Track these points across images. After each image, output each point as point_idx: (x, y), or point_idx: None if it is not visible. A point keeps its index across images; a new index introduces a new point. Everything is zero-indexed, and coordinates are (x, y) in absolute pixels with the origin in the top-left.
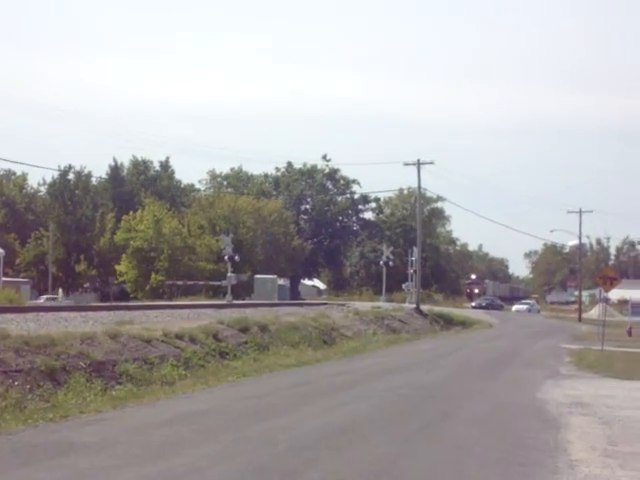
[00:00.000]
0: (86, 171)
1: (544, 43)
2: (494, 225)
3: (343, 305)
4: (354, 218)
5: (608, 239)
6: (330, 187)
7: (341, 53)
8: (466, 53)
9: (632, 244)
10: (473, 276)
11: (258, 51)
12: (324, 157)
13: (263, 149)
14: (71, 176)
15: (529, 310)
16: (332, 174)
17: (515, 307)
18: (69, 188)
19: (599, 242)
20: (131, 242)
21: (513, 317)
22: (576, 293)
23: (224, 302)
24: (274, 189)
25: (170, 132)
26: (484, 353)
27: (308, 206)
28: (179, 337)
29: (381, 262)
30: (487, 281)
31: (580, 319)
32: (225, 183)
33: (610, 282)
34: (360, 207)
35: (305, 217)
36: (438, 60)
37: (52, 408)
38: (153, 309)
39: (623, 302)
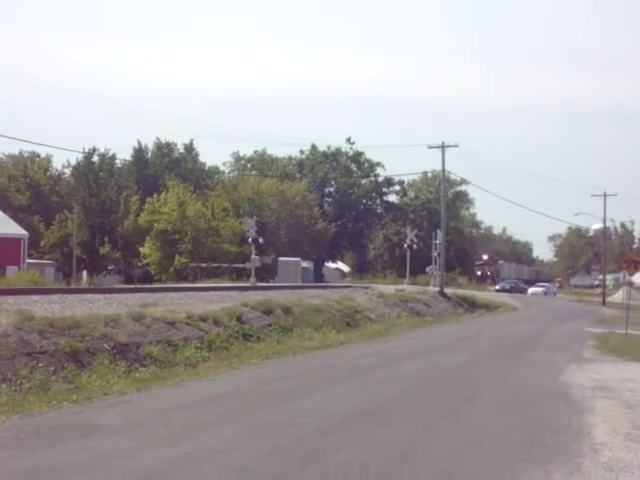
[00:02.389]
0: (110, 153)
1: (566, 28)
2: (518, 208)
3: (367, 288)
4: (378, 201)
5: (632, 222)
6: (354, 170)
7: (366, 34)
8: (492, 36)
9: None
10: (485, 256)
11: (282, 35)
12: (348, 140)
13: (287, 132)
14: (95, 158)
15: (545, 293)
16: (356, 157)
17: (531, 290)
18: (93, 170)
19: (623, 225)
20: (155, 224)
21: (537, 300)
22: (600, 277)
23: (248, 284)
24: (298, 172)
25: (195, 114)
26: (507, 336)
27: (332, 189)
28: (203, 319)
29: (405, 245)
30: (501, 262)
31: (604, 303)
32: (249, 165)
33: (634, 266)
34: (384, 190)
35: (329, 200)
36: (465, 43)
37: (76, 390)
38: (177, 291)
39: None
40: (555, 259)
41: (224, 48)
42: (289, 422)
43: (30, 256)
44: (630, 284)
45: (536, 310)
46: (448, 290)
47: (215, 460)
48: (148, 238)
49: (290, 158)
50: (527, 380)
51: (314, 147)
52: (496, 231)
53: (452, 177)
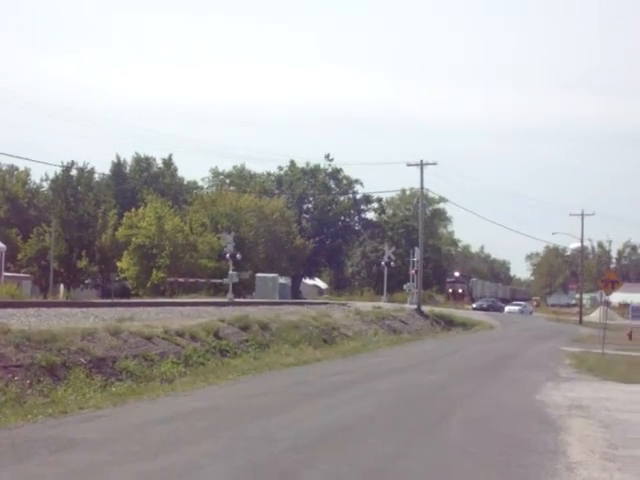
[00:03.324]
0: (89, 167)
1: (550, 48)
2: (496, 227)
3: (344, 305)
4: (356, 218)
5: (610, 242)
6: (332, 187)
7: (346, 52)
8: (473, 56)
9: (633, 247)
10: (457, 274)
11: (262, 50)
12: (327, 156)
13: (266, 148)
14: (74, 172)
15: (521, 312)
16: (335, 174)
17: (507, 308)
18: (71, 184)
19: (601, 245)
20: (133, 239)
21: (514, 319)
22: (577, 296)
23: (225, 300)
24: (276, 188)
25: (173, 130)
26: (484, 355)
27: (310, 205)
28: (180, 334)
29: (382, 262)
30: (474, 279)
31: (581, 322)
32: (227, 181)
33: (611, 285)
34: (362, 207)
35: (307, 216)
36: (443, 62)
37: (52, 403)
38: (154, 306)
39: (624, 305)
40: (532, 278)
41: (205, 65)
42: (265, 438)
43: (7, 269)
44: (607, 304)
45: (513, 329)
46: (425, 308)
47: (191, 475)
48: (126, 252)
49: (269, 174)
50: (503, 398)
51: (293, 163)
52: (474, 249)
53: (430, 195)
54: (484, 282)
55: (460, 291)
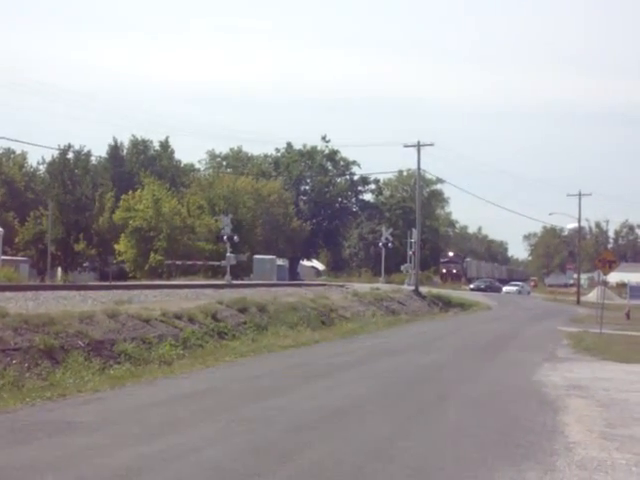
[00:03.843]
0: (85, 150)
1: (546, 26)
2: (493, 207)
3: (342, 286)
4: (353, 199)
5: (607, 222)
6: (330, 168)
7: (342, 33)
8: (468, 35)
9: (631, 227)
10: (450, 254)
11: (258, 31)
12: (324, 138)
13: (263, 130)
14: (70, 155)
15: (519, 292)
16: (332, 155)
17: (505, 288)
18: (68, 167)
19: (598, 225)
20: (130, 222)
21: (511, 300)
22: (575, 276)
23: (223, 282)
24: (274, 170)
25: (170, 112)
26: (482, 335)
27: (307, 187)
28: (178, 317)
29: (380, 244)
30: (468, 259)
31: (579, 302)
32: (224, 163)
33: (609, 265)
34: (359, 188)
35: (304, 198)
36: (440, 41)
37: (50, 387)
38: (152, 289)
39: (622, 285)
40: (530, 258)
41: (201, 46)
42: (263, 420)
43: (4, 253)
44: (604, 283)
45: (511, 309)
46: (423, 289)
47: (189, 457)
48: (123, 235)
49: (266, 156)
50: (501, 379)
51: (290, 145)
52: (471, 230)
53: (428, 176)
54: (479, 262)
55: (454, 271)
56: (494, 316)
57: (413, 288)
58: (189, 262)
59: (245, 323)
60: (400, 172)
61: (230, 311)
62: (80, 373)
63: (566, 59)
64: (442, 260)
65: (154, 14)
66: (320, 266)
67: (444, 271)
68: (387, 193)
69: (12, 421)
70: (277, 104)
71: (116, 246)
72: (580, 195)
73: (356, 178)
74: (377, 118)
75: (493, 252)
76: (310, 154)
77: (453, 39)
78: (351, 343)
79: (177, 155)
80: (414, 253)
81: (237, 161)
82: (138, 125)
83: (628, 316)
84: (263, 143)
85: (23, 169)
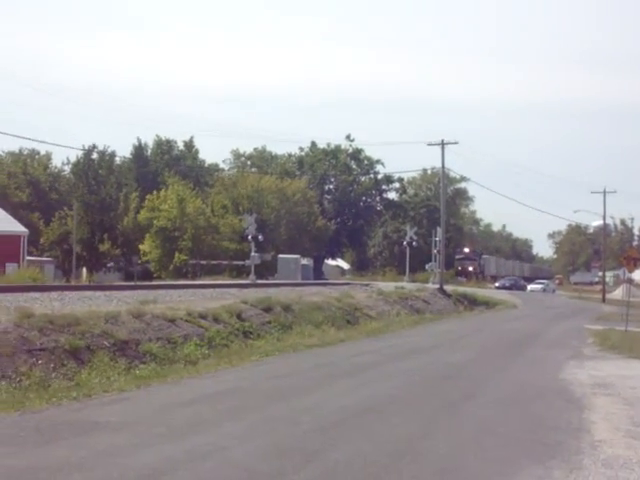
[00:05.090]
0: (110, 151)
1: (570, 23)
2: (518, 205)
3: (366, 285)
4: (377, 198)
5: (632, 220)
6: (354, 167)
7: (366, 32)
8: (491, 33)
9: None
10: (466, 249)
11: (282, 31)
12: (348, 137)
13: (287, 129)
14: (95, 156)
15: (544, 290)
16: (356, 154)
17: (530, 287)
18: (93, 168)
19: (623, 223)
20: (155, 222)
21: (536, 298)
22: (600, 274)
23: (247, 282)
24: (298, 169)
25: (195, 112)
26: (507, 333)
27: (332, 186)
28: (203, 317)
29: (404, 242)
30: (486, 256)
31: (604, 300)
32: (249, 163)
33: (634, 263)
34: (384, 187)
35: (329, 197)
36: (463, 40)
37: (76, 387)
38: (177, 288)
39: None
40: (555, 256)
41: (224, 46)
42: (289, 419)
43: (30, 253)
44: (630, 281)
45: (536, 307)
46: (448, 287)
47: (215, 457)
48: (148, 235)
49: (290, 155)
50: (527, 377)
51: (314, 144)
52: (495, 228)
53: (452, 174)
54: (498, 259)
55: (470, 269)
56: (519, 314)
57: (438, 287)
58: (213, 262)
59: (270, 322)
60: (424, 170)
61: (255, 310)
62: (106, 373)
63: (590, 56)
64: (457, 257)
65: (178, 14)
66: (345, 265)
67: (459, 268)
68: (411, 192)
69: (38, 421)
70: (302, 103)
71: (141, 246)
72: (605, 192)
73: (380, 177)
74: (401, 117)
75: (518, 250)
76: (334, 153)
77: (476, 37)
78: (376, 342)
79: (201, 155)
80: (438, 252)
81: (261, 160)
82: (162, 125)
83: None
84: (287, 142)
85: (48, 170)
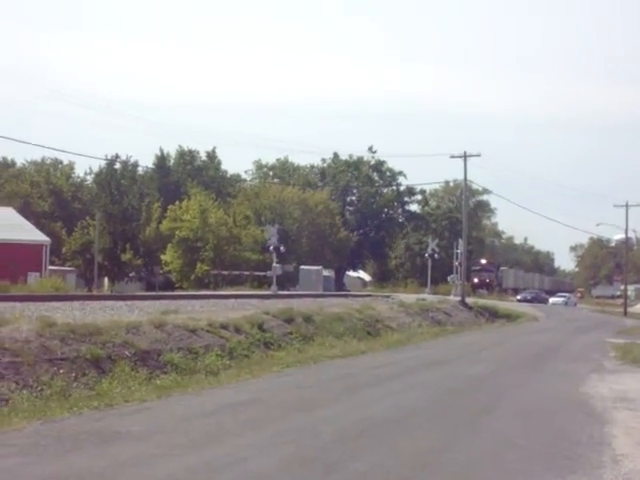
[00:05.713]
0: (132, 160)
1: (591, 36)
2: (540, 218)
3: (388, 297)
4: (400, 210)
5: None
6: (376, 179)
7: (387, 45)
8: (514, 46)
9: None
10: (483, 261)
11: (307, 43)
12: (370, 149)
13: (309, 140)
14: (117, 166)
15: (566, 303)
16: (378, 166)
17: (552, 300)
18: (115, 177)
19: None
20: (177, 232)
21: (558, 311)
22: (622, 287)
23: (269, 292)
24: (320, 180)
25: (217, 123)
26: (529, 346)
27: (354, 197)
28: (224, 327)
29: (426, 254)
30: (504, 268)
31: (626, 313)
32: (271, 174)
33: None
34: (406, 199)
35: (351, 209)
36: (486, 52)
37: (97, 396)
38: (198, 299)
39: None
40: (577, 269)
41: (248, 57)
42: (310, 431)
43: (52, 263)
44: None
45: (557, 320)
46: (469, 300)
47: (235, 468)
48: (170, 245)
49: (312, 166)
50: (548, 390)
51: (336, 156)
52: (517, 241)
53: (474, 186)
54: (517, 271)
55: (487, 281)
56: (541, 327)
57: (459, 299)
58: (235, 272)
59: (291, 333)
60: (446, 183)
61: (276, 321)
62: (127, 383)
63: (612, 69)
64: (473, 268)
65: (201, 26)
66: (366, 277)
67: (475, 280)
68: (433, 204)
69: (59, 430)
70: (324, 115)
71: (162, 256)
72: (627, 206)
73: (402, 189)
74: (423, 129)
75: (540, 263)
76: (356, 164)
77: (498, 51)
78: (397, 354)
79: (223, 166)
80: (460, 264)
81: (283, 171)
82: (185, 136)
83: None
84: (310, 153)
85: (70, 179)
